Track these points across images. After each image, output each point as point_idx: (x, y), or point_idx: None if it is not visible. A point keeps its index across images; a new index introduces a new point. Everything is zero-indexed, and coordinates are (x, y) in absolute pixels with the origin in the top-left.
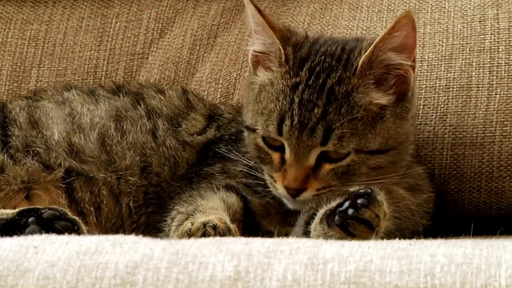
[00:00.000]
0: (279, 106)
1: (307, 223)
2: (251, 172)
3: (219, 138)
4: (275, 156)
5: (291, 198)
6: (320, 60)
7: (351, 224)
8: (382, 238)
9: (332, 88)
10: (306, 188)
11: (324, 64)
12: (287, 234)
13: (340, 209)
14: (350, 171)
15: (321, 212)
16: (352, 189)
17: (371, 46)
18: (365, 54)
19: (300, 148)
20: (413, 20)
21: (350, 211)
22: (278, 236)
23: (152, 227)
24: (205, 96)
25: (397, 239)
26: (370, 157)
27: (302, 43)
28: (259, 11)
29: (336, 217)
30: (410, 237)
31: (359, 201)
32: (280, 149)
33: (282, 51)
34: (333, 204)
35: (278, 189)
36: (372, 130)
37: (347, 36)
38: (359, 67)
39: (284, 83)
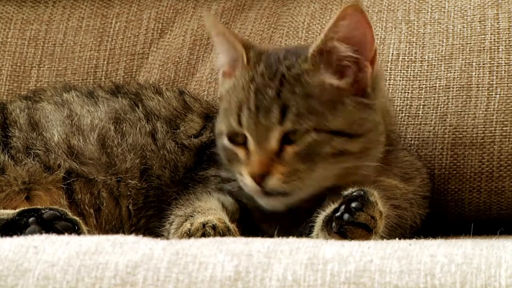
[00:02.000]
0: (238, 100)
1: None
2: None
3: (213, 141)
4: (240, 151)
5: (259, 190)
6: (277, 52)
7: (348, 230)
8: (384, 236)
9: (283, 73)
10: (270, 173)
11: (279, 56)
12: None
13: (337, 214)
14: (313, 152)
15: (320, 218)
16: (346, 192)
17: (321, 35)
18: (315, 43)
19: (259, 131)
20: (360, 10)
21: (346, 216)
22: (278, 236)
23: (151, 230)
24: (205, 96)
25: (397, 236)
26: (334, 138)
27: (265, 49)
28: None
29: (333, 224)
30: (410, 232)
31: (353, 204)
32: (245, 143)
33: (245, 54)
34: (331, 209)
35: (247, 183)
36: (332, 111)
37: None
38: (309, 55)
39: (243, 80)
